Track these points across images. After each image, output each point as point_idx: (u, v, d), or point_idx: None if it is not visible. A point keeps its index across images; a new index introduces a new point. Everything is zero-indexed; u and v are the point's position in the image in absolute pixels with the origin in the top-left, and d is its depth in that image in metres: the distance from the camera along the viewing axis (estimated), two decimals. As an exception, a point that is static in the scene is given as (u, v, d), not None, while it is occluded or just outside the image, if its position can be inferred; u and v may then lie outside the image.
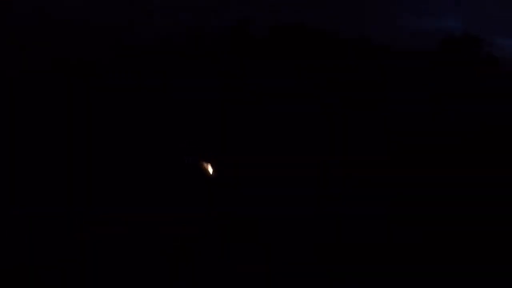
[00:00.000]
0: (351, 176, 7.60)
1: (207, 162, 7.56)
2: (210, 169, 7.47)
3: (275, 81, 14.22)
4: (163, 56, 11.67)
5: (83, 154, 7.59)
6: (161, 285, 5.08)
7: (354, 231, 6.28)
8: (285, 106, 12.15)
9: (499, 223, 5.96)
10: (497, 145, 10.01)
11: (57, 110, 8.75)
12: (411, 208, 6.61)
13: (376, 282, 4.81)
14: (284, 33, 18.56)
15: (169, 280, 5.11)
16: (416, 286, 4.74)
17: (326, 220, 6.65)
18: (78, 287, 4.81)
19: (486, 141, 10.50)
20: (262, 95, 13.53)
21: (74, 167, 7.27)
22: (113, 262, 5.10)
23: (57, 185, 6.45)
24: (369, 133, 10.35)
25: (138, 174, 7.03)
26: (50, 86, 9.58)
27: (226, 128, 9.05)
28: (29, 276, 4.99)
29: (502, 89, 13.76)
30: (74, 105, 9.19)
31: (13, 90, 8.89)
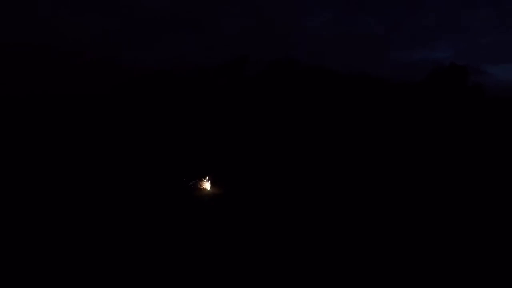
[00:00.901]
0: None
1: (206, 179, 7.86)
2: (208, 186, 7.73)
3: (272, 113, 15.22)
4: (165, 87, 12.57)
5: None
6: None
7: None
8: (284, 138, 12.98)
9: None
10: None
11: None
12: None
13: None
14: (280, 69, 19.55)
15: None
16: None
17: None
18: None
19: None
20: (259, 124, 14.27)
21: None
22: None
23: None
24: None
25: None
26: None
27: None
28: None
29: (488, 115, 14.65)
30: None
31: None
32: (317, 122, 18.40)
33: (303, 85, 19.08)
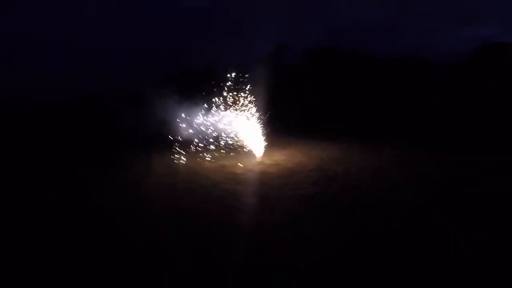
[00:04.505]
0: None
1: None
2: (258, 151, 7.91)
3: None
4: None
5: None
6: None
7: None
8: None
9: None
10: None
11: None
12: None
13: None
14: (321, 57, 19.64)
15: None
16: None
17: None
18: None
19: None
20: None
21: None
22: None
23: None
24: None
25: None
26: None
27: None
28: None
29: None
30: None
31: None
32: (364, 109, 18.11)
33: (347, 73, 18.79)
